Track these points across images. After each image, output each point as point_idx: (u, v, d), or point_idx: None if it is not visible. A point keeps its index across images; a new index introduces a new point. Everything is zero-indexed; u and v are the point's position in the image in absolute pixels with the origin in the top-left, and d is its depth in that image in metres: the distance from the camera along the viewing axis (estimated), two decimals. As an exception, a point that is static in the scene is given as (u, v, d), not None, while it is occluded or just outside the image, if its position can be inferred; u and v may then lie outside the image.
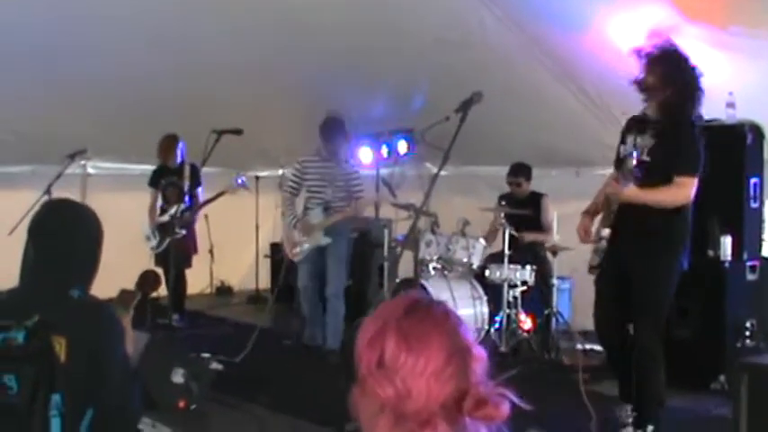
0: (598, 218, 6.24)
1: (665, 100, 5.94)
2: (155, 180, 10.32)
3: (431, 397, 1.90)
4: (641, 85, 6.03)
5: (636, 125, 6.16)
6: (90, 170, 12.06)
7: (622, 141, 6.21)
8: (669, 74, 5.95)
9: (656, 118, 6.01)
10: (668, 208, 5.91)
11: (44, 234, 3.44)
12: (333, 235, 8.91)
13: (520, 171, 9.89)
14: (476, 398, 1.93)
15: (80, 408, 3.27)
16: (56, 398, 3.13)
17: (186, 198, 9.71)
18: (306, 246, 8.94)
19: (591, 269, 6.26)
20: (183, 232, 8.99)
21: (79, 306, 3.33)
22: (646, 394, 6.07)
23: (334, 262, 8.97)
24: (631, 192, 5.79)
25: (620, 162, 6.12)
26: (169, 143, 10.01)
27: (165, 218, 9.97)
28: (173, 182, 10.04)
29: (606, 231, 6.04)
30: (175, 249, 8.90)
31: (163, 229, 9.95)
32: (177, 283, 9.43)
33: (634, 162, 5.66)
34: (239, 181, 9.60)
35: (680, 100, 5.95)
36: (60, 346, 3.16)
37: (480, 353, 2.01)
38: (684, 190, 5.88)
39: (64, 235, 3.43)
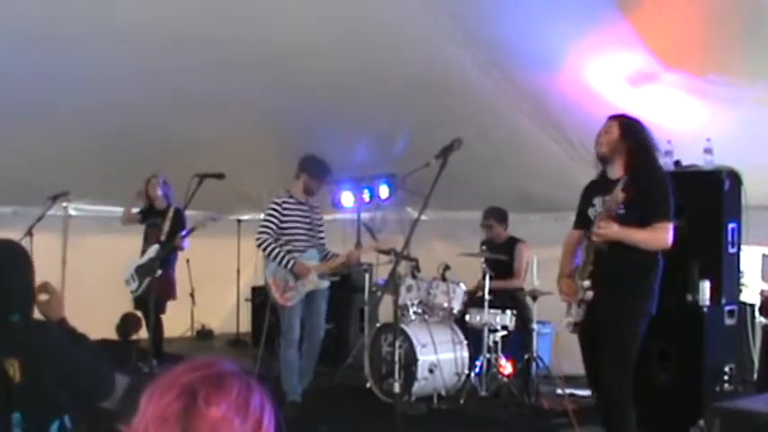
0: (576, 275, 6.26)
1: (630, 152, 6.10)
2: (141, 217, 10.34)
3: None
4: (603, 148, 6.18)
5: (599, 187, 6.26)
6: (72, 212, 12.08)
7: (590, 204, 6.29)
8: (626, 127, 6.15)
9: (620, 175, 6.08)
10: (644, 252, 5.97)
11: None
12: (322, 280, 8.67)
13: (489, 214, 9.99)
14: None
15: (44, 422, 3.39)
16: (16, 416, 3.30)
17: (163, 238, 9.69)
18: (303, 290, 8.48)
19: (575, 326, 6.25)
20: (159, 272, 8.96)
21: (22, 329, 3.46)
22: None
23: (324, 306, 8.73)
24: (620, 230, 5.86)
25: (586, 221, 6.27)
26: (147, 182, 10.07)
27: (143, 260, 9.96)
28: (155, 223, 10.03)
29: (587, 283, 6.07)
30: (152, 290, 8.87)
31: (141, 272, 9.92)
32: (154, 327, 9.40)
33: (621, 195, 5.71)
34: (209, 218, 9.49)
35: (642, 149, 6.11)
36: (13, 368, 3.31)
37: (217, 414, 1.93)
38: (663, 234, 5.92)
39: None
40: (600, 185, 6.27)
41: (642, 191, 5.90)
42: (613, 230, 5.86)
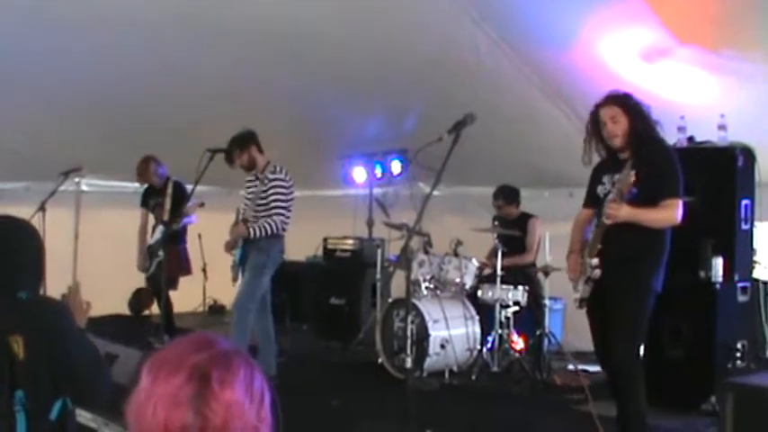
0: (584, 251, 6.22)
1: (631, 128, 5.96)
2: (144, 200, 10.36)
3: (156, 419, 1.91)
4: (619, 141, 6.04)
5: (609, 166, 6.15)
6: (84, 187, 12.11)
7: (599, 182, 6.19)
8: (632, 112, 6.00)
9: (628, 155, 6.00)
10: (652, 229, 5.91)
11: None
12: (252, 248, 8.56)
13: (498, 194, 10.01)
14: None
15: (46, 401, 3.41)
16: (19, 394, 3.30)
17: (166, 217, 9.71)
18: (233, 264, 8.77)
19: (581, 302, 6.21)
20: (159, 257, 9.04)
21: (29, 306, 3.46)
22: (628, 413, 6.04)
23: (246, 274, 8.59)
24: (628, 210, 5.77)
25: (596, 200, 6.18)
26: (139, 167, 10.06)
27: (152, 240, 10.00)
28: (159, 202, 10.05)
29: (595, 261, 6.02)
30: (163, 270, 8.91)
31: (150, 252, 9.96)
32: (165, 304, 9.45)
33: (632, 179, 5.66)
34: (190, 215, 9.41)
35: (643, 124, 5.99)
36: (18, 345, 3.31)
37: (231, 397, 1.94)
38: (673, 212, 5.86)
39: (5, 245, 3.54)
40: (609, 164, 6.17)
41: (652, 169, 5.82)
42: (624, 212, 5.78)
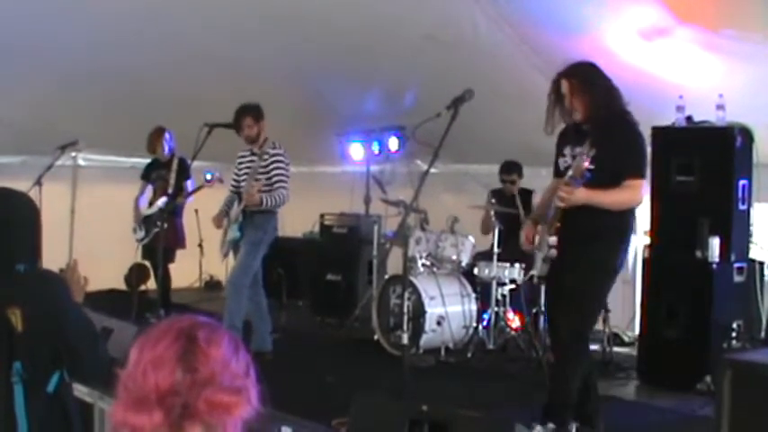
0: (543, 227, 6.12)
1: (589, 103, 5.85)
2: (146, 173, 10.35)
3: (147, 382, 1.95)
4: (558, 98, 5.99)
5: (571, 137, 6.02)
6: (81, 162, 12.08)
7: (561, 154, 6.09)
8: (582, 79, 5.91)
9: (590, 127, 5.84)
10: (613, 210, 5.78)
11: None
12: (248, 225, 8.55)
13: (514, 168, 9.93)
14: (199, 389, 1.97)
15: (44, 373, 3.42)
16: (16, 365, 3.33)
17: (170, 191, 9.70)
18: (226, 240, 8.76)
19: (540, 279, 6.17)
20: (158, 227, 9.04)
21: (27, 278, 3.48)
22: (553, 393, 6.00)
23: (242, 249, 8.56)
24: (584, 194, 5.65)
25: (560, 174, 6.07)
26: (153, 135, 10.01)
27: (151, 210, 9.99)
28: (161, 175, 10.05)
29: (552, 240, 5.92)
30: (161, 242, 8.90)
31: (148, 222, 9.96)
32: (162, 277, 9.44)
33: (585, 164, 5.58)
34: (208, 177, 9.29)
35: (605, 99, 5.85)
36: (16, 317, 3.33)
37: (218, 353, 2.01)
38: (636, 192, 5.78)
39: (3, 217, 3.54)
40: (572, 135, 6.05)
41: (614, 146, 5.73)
42: (579, 196, 5.65)
